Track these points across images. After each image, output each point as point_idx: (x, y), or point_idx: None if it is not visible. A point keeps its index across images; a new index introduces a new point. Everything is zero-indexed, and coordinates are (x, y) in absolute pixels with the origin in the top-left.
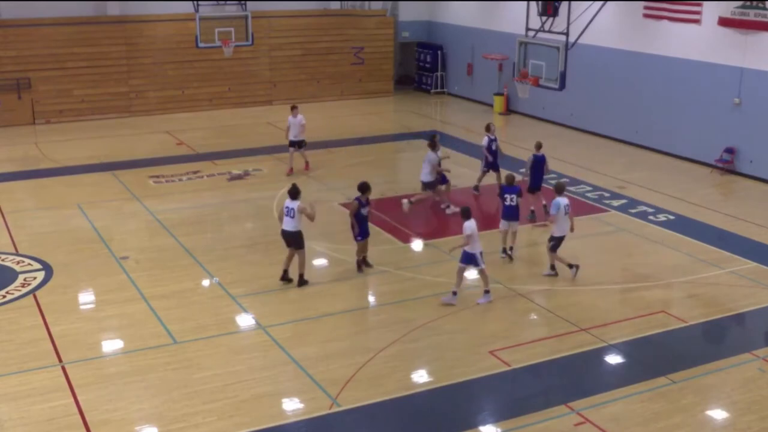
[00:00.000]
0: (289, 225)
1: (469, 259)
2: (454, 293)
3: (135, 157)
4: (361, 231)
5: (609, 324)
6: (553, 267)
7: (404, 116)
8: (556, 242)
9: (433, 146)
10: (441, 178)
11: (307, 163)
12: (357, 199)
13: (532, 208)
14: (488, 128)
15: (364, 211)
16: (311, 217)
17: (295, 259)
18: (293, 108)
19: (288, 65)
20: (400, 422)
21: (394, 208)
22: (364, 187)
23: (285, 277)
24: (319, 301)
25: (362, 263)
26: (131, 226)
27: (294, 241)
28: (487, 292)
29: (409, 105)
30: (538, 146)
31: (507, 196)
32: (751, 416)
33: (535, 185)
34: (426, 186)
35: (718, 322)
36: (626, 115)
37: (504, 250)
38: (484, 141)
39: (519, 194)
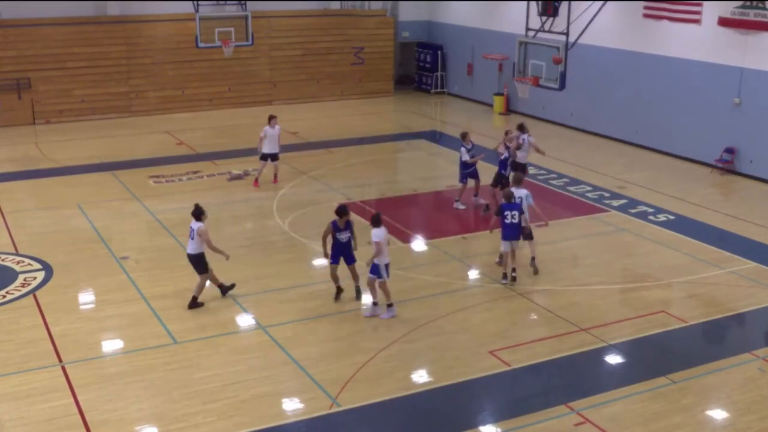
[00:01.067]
0: (190, 247)
1: (374, 270)
2: (375, 304)
3: (135, 157)
4: (333, 255)
5: (609, 324)
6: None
7: (404, 116)
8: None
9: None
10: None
11: (276, 176)
12: (333, 222)
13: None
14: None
15: (342, 237)
16: (210, 246)
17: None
18: (272, 117)
19: (288, 65)
20: (400, 422)
21: (395, 208)
22: (340, 211)
23: (224, 290)
24: (319, 301)
25: (341, 290)
26: (131, 226)
27: (195, 264)
28: (390, 305)
29: (409, 105)
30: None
31: (507, 213)
32: (751, 416)
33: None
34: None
35: (718, 322)
36: (626, 115)
37: (505, 276)
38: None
39: (520, 211)
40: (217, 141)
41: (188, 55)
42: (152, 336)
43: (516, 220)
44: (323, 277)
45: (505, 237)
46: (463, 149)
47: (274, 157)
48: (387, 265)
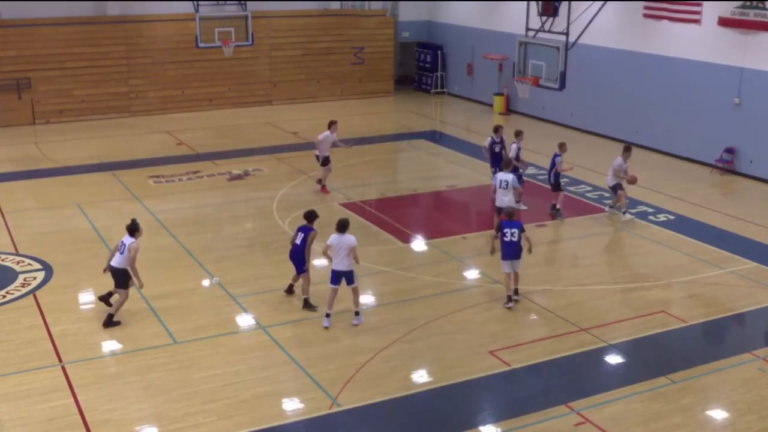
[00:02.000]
0: (116, 261)
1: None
2: (357, 313)
3: (135, 157)
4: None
5: (609, 324)
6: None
7: (404, 116)
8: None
9: (626, 151)
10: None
11: (324, 186)
12: (310, 229)
13: (554, 203)
14: (496, 130)
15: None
16: (132, 264)
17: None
18: (332, 123)
19: (288, 65)
20: (400, 422)
21: (395, 208)
22: (313, 216)
23: (110, 322)
24: (319, 301)
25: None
26: None
27: (117, 278)
28: (327, 315)
29: (409, 105)
30: (560, 146)
31: (507, 231)
32: (752, 416)
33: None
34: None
35: (718, 322)
36: (626, 115)
37: (509, 298)
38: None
39: (521, 229)
40: (217, 141)
41: (188, 55)
42: (152, 336)
43: (516, 239)
44: (323, 277)
45: (504, 256)
46: (513, 146)
47: (324, 161)
48: (347, 273)
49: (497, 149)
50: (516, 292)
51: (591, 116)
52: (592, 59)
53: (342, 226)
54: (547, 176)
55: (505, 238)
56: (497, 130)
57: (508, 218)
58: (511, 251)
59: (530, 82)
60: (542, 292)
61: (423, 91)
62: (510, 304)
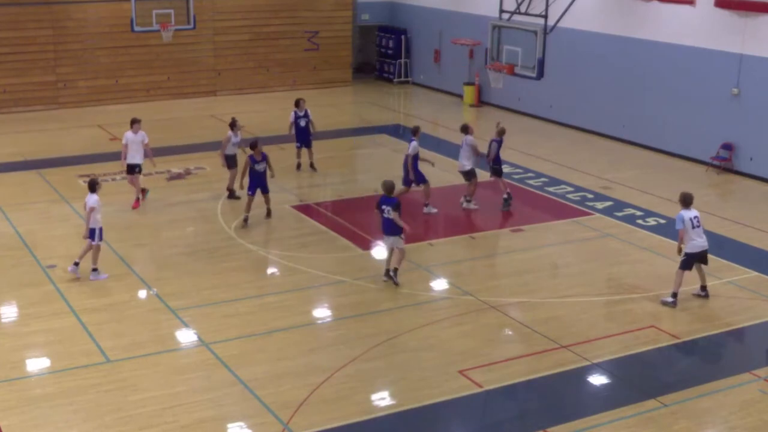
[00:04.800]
0: None
1: (91, 234)
2: (76, 264)
3: (63, 154)
4: (251, 186)
5: (593, 340)
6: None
7: (364, 108)
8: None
9: None
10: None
11: (138, 199)
12: (249, 156)
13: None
14: (297, 104)
15: (259, 167)
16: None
17: None
18: (134, 122)
19: (234, 51)
20: None
21: (353, 210)
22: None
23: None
24: (269, 314)
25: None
26: (59, 231)
27: None
28: (94, 269)
29: (370, 96)
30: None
31: (384, 207)
32: None
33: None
34: None
35: (714, 338)
36: (612, 107)
37: (387, 272)
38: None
39: (395, 207)
40: (155, 136)
41: (123, 40)
42: (82, 354)
43: (391, 216)
44: (273, 288)
45: (384, 231)
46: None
47: (138, 169)
48: (100, 229)
49: (303, 123)
50: (395, 271)
51: (572, 109)
52: (573, 45)
53: (94, 185)
54: (491, 164)
55: (384, 215)
56: (298, 103)
57: (387, 193)
58: (388, 227)
59: (505, 70)
60: (518, 304)
61: (385, 81)
62: (386, 279)
